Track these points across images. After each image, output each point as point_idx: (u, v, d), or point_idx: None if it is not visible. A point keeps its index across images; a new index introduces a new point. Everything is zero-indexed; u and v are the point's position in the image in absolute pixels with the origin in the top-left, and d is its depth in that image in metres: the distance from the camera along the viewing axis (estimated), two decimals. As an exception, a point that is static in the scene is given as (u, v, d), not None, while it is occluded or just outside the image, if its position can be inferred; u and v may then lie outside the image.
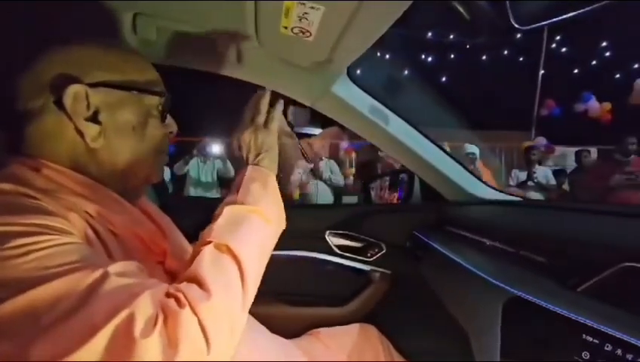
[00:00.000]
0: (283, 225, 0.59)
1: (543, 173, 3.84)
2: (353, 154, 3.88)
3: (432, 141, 1.07)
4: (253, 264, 0.47)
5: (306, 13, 0.58)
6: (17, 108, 0.49)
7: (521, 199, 1.17)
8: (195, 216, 0.75)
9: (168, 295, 0.39)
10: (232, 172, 3.79)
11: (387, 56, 6.62)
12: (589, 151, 4.17)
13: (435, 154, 1.07)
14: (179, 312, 0.36)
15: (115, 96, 0.51)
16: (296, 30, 0.64)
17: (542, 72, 6.37)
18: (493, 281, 0.65)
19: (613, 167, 3.09)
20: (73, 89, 0.47)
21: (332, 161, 3.64)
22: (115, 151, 0.52)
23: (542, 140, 5.25)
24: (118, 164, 0.53)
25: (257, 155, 0.61)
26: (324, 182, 3.45)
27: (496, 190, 1.17)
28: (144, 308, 0.35)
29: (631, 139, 3.09)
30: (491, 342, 0.61)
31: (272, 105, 0.67)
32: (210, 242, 0.47)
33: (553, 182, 3.88)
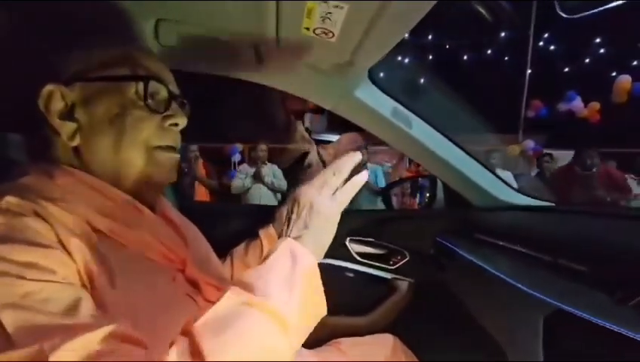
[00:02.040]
0: (313, 323, 0.45)
1: (504, 177, 3.70)
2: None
3: (457, 144, 1.03)
4: None
5: (329, 12, 0.56)
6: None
7: (552, 204, 1.10)
8: (221, 222, 0.73)
9: None
10: None
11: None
12: (551, 156, 4.05)
13: (460, 158, 1.03)
14: None
15: (90, 89, 0.48)
16: (318, 31, 0.62)
17: (529, 71, 6.18)
18: (531, 292, 0.60)
19: (574, 177, 2.98)
20: (47, 90, 0.46)
21: (275, 166, 3.57)
22: (94, 148, 0.49)
23: (530, 143, 5.00)
24: (100, 162, 0.49)
25: (304, 228, 0.47)
26: (267, 186, 3.41)
27: (526, 194, 1.11)
28: None
29: (590, 152, 2.96)
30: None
31: (351, 175, 0.51)
32: (190, 331, 0.36)
33: (515, 186, 3.73)
